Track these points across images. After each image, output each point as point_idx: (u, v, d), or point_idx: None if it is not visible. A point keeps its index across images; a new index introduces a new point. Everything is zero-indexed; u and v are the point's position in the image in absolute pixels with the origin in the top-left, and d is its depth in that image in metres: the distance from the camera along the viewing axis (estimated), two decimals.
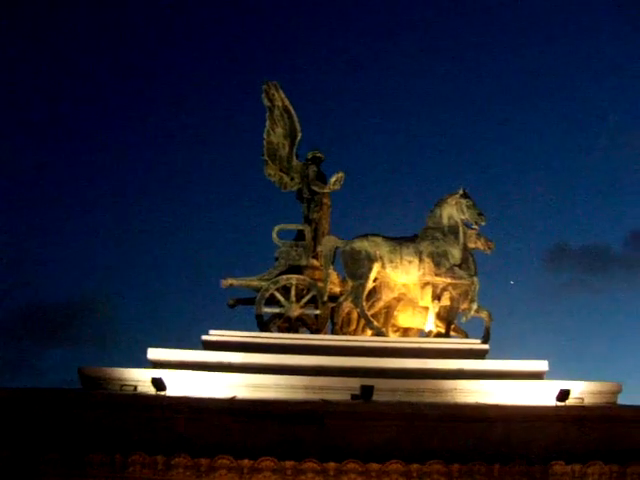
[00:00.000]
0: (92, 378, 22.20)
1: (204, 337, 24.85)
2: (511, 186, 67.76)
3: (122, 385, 21.74)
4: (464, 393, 22.26)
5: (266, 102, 28.06)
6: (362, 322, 26.26)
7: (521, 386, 22.53)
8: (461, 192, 26.36)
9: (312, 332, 26.15)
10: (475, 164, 67.07)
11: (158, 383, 20.88)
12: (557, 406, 21.46)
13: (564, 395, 21.49)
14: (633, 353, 61.47)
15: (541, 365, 24.12)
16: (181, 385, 21.34)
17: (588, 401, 22.21)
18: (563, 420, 20.74)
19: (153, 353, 23.46)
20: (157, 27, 69.96)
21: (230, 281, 26.85)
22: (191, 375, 21.92)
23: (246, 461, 18.53)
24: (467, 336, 26.22)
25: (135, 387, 21.62)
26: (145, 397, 20.80)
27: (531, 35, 72.45)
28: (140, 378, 21.62)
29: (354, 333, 26.48)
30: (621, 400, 23.14)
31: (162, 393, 20.83)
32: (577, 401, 21.91)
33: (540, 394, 22.09)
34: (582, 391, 22.33)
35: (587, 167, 69.12)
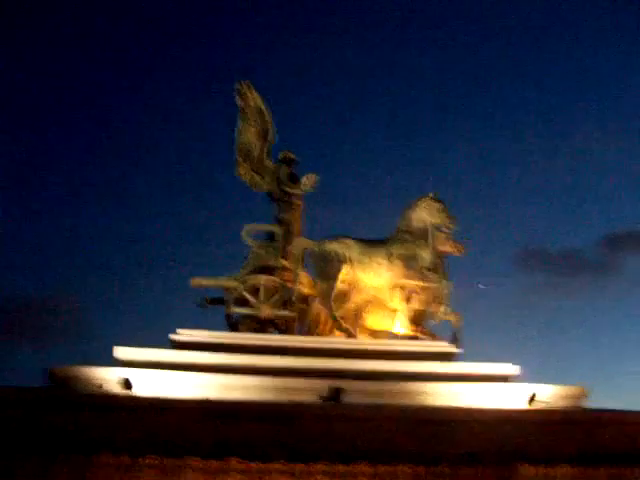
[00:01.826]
0: (59, 377, 21.90)
1: (172, 336, 24.64)
2: (482, 189, 68.24)
3: (89, 384, 21.46)
4: (433, 395, 22.33)
5: (239, 102, 27.94)
6: (331, 323, 26.22)
7: (489, 389, 22.68)
8: (432, 195, 26.48)
9: (281, 333, 26.07)
10: (447, 167, 67.37)
11: (125, 382, 20.66)
12: (524, 409, 21.66)
13: (531, 398, 21.70)
14: (601, 357, 62.19)
15: (510, 368, 24.29)
16: (149, 385, 21.15)
17: (555, 404, 22.44)
18: (530, 423, 20.95)
19: (120, 352, 23.20)
20: (124, 24, 69.34)
21: (199, 280, 26.68)
22: (159, 375, 21.71)
23: (214, 462, 18.43)
24: (436, 339, 26.30)
25: (101, 386, 21.37)
26: (111, 396, 20.57)
27: (505, 44, 73.14)
28: (107, 377, 21.38)
29: (323, 334, 26.44)
30: (587, 403, 23.39)
31: (129, 392, 20.62)
32: (544, 404, 22.13)
33: (507, 397, 22.26)
34: (549, 394, 22.58)
35: (559, 171, 69.83)
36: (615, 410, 22.29)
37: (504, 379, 23.89)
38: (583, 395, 23.39)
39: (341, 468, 18.79)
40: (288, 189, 27.77)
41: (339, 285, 25.93)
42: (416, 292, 26.11)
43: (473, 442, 20.24)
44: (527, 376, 24.17)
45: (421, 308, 26.19)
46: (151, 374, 21.65)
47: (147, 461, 18.26)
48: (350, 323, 26.30)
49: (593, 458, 20.23)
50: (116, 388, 20.77)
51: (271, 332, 26.29)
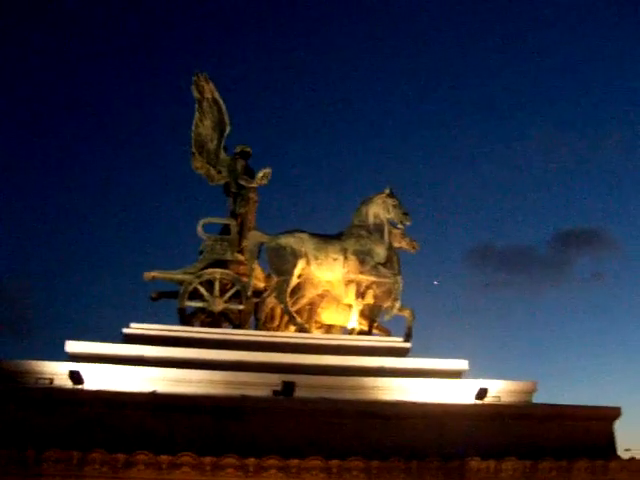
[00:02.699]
0: (8, 371, 21.44)
1: (125, 330, 24.37)
2: (436, 186, 68.93)
3: (38, 378, 21.10)
4: (385, 390, 22.47)
5: (195, 94, 27.71)
6: (285, 318, 26.24)
7: (441, 384, 22.90)
8: (387, 192, 26.59)
9: (235, 327, 25.96)
10: (401, 164, 67.90)
11: (75, 376, 20.37)
12: (475, 404, 21.92)
13: (482, 393, 21.97)
14: (550, 352, 63.27)
15: (461, 364, 24.58)
16: (100, 379, 20.87)
17: (505, 399, 22.78)
18: (480, 418, 21.21)
19: (71, 346, 22.86)
20: (79, 15, 68.29)
21: (153, 274, 26.41)
22: (110, 369, 21.45)
23: (165, 457, 18.25)
24: (389, 334, 26.49)
25: (51, 380, 21.03)
26: (61, 391, 20.24)
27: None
28: (57, 371, 21.04)
29: (277, 329, 26.43)
30: (537, 398, 23.81)
31: (79, 387, 20.33)
32: (494, 399, 22.44)
33: (459, 392, 22.50)
34: (499, 390, 22.91)
35: (512, 169, 70.88)
36: (562, 405, 22.67)
37: (456, 374, 24.17)
38: (532, 390, 23.78)
39: (293, 462, 18.76)
40: (244, 182, 27.66)
41: (293, 280, 25.91)
42: (370, 287, 26.24)
43: (425, 436, 20.41)
44: (478, 371, 24.54)
45: (375, 303, 26.34)
46: (102, 368, 21.37)
47: (97, 456, 17.98)
48: (304, 318, 26.35)
49: (540, 451, 20.55)
50: (66, 382, 20.43)
51: (225, 326, 26.19)
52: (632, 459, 21.16)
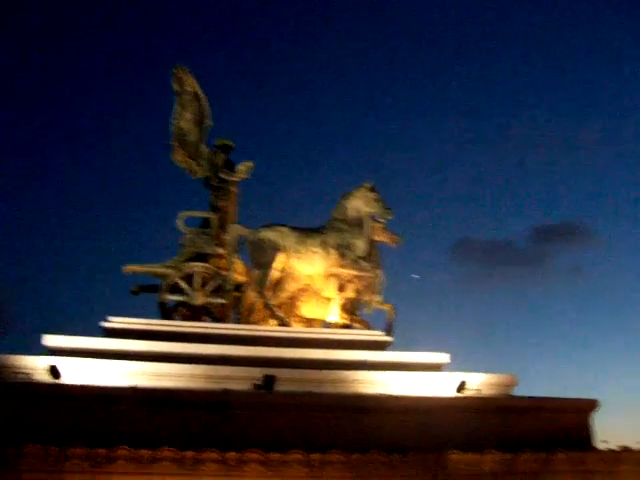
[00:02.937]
0: None
1: (104, 324, 24.22)
2: (416, 181, 69.14)
3: (16, 373, 20.87)
4: (366, 384, 22.52)
5: (176, 87, 27.56)
6: (266, 312, 26.19)
7: (421, 377, 23.00)
8: (368, 186, 26.62)
9: (216, 321, 25.90)
10: (381, 158, 68.00)
11: (54, 371, 20.23)
12: (455, 397, 22.04)
13: (462, 386, 22.11)
14: (530, 346, 63.76)
15: (441, 357, 24.69)
16: (79, 373, 20.73)
17: (485, 392, 22.92)
18: (461, 410, 21.34)
19: (49, 340, 22.65)
20: (57, 8, 67.64)
21: (133, 267, 26.27)
22: (90, 363, 21.29)
23: (145, 451, 18.16)
24: (370, 328, 26.52)
25: (29, 375, 20.83)
26: (40, 385, 20.08)
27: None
28: (35, 365, 20.83)
29: (258, 323, 26.37)
30: (516, 391, 23.96)
31: (58, 381, 20.19)
32: (475, 392, 22.58)
33: (439, 385, 22.62)
34: (480, 383, 23.04)
35: (491, 163, 71.26)
36: (541, 397, 22.86)
37: (436, 367, 24.27)
38: (512, 383, 23.94)
39: (274, 456, 18.76)
40: (224, 176, 27.57)
41: (274, 273, 25.89)
42: (350, 281, 26.28)
43: (405, 429, 20.52)
44: (459, 364, 24.66)
45: (355, 297, 26.39)
46: (80, 362, 21.21)
47: (77, 451, 17.87)
48: (284, 311, 26.33)
49: (520, 444, 20.72)
50: (44, 377, 20.28)
51: (205, 320, 26.12)
52: (609, 450, 21.42)
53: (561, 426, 21.85)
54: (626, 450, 21.33)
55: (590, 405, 22.68)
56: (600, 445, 21.95)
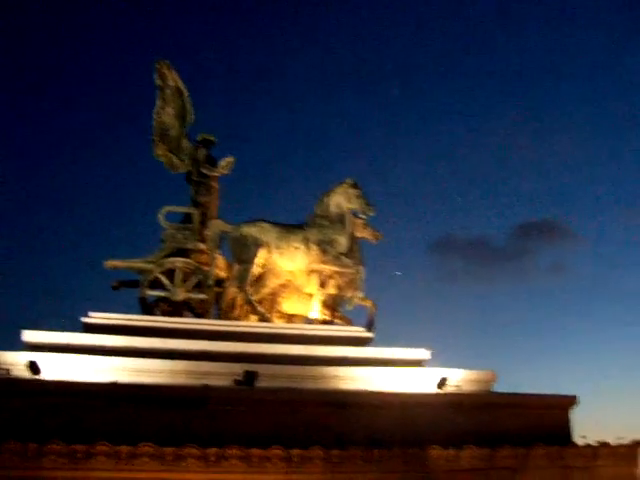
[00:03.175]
0: None
1: (84, 319, 24.07)
2: (398, 177, 69.26)
3: None
4: (346, 380, 22.55)
5: (158, 81, 27.44)
6: (247, 307, 26.15)
7: (402, 373, 23.07)
8: (350, 182, 26.63)
9: (197, 316, 25.84)
10: (363, 155, 68.08)
11: (32, 366, 20.09)
12: (436, 393, 22.14)
13: (442, 382, 22.21)
14: (510, 343, 64.19)
15: (422, 353, 24.78)
16: (58, 369, 20.59)
17: (465, 388, 23.04)
18: (441, 406, 21.45)
19: (28, 335, 22.48)
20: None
21: (113, 262, 26.16)
22: (69, 358, 21.17)
23: (125, 447, 18.07)
24: (351, 324, 26.57)
25: (8, 371, 20.66)
26: (19, 381, 19.93)
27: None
28: (14, 361, 20.65)
29: (239, 318, 26.34)
30: (496, 388, 24.12)
31: (37, 377, 20.05)
32: (455, 388, 22.69)
33: (420, 381, 22.71)
34: (460, 379, 23.17)
35: (473, 161, 71.57)
36: (521, 393, 23.00)
37: (417, 363, 24.37)
38: (492, 379, 24.09)
39: (255, 452, 18.76)
40: (206, 171, 27.51)
41: (255, 269, 25.86)
42: (332, 277, 26.31)
43: (386, 425, 20.57)
44: (439, 361, 24.76)
45: (337, 293, 26.41)
46: (60, 358, 21.09)
47: (55, 447, 17.75)
48: (266, 307, 26.31)
49: (499, 439, 20.86)
50: (24, 372, 20.13)
51: (186, 315, 26.05)
52: (587, 445, 21.62)
53: (540, 422, 22.01)
54: (604, 445, 21.53)
55: (569, 401, 22.87)
56: (579, 441, 22.15)
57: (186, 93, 27.56)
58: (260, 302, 26.08)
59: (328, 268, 26.02)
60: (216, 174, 27.59)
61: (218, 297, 26.06)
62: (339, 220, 26.36)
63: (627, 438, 21.99)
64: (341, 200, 26.52)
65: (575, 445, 21.76)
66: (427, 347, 24.88)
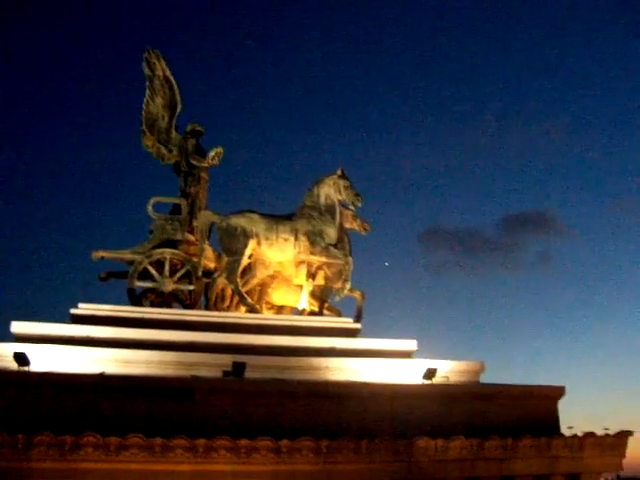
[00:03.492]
0: None
1: (73, 311, 24.00)
2: (388, 169, 69.29)
3: None
4: (335, 371, 22.61)
5: (147, 71, 27.30)
6: (236, 298, 26.16)
7: (390, 364, 23.13)
8: (339, 173, 26.60)
9: (185, 307, 25.81)
10: (351, 146, 68.07)
11: (21, 358, 20.02)
12: (424, 384, 22.21)
13: (431, 373, 22.28)
14: (497, 333, 64.54)
15: (410, 344, 24.86)
16: (47, 360, 20.55)
17: (453, 379, 23.14)
18: (429, 397, 21.52)
19: (17, 327, 22.42)
20: None
21: (102, 253, 26.07)
22: (57, 350, 21.12)
23: (114, 438, 18.07)
24: (340, 315, 26.60)
25: None
26: (7, 372, 19.87)
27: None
28: (3, 353, 20.58)
29: (228, 309, 26.35)
30: (484, 378, 24.22)
31: (25, 368, 19.99)
32: (443, 379, 22.77)
33: (408, 372, 22.76)
34: (448, 370, 23.26)
35: (461, 152, 71.66)
36: (508, 384, 23.08)
37: (405, 354, 24.42)
38: (480, 370, 24.18)
39: (243, 443, 18.78)
40: (195, 162, 27.42)
41: (244, 260, 25.82)
42: (321, 268, 26.31)
43: (374, 416, 20.64)
44: (427, 352, 24.81)
45: (325, 284, 26.42)
46: (49, 349, 21.05)
47: (43, 439, 17.72)
48: (255, 298, 26.31)
49: (487, 430, 20.96)
50: (12, 364, 20.06)
51: (175, 306, 26.02)
52: (574, 436, 21.76)
53: (528, 413, 22.12)
54: (590, 436, 21.67)
55: (557, 392, 22.98)
56: (566, 431, 22.29)
57: (175, 83, 27.42)
58: (249, 293, 26.07)
59: (317, 259, 26.00)
60: (205, 165, 27.51)
61: (207, 288, 26.00)
62: (328, 211, 26.32)
63: (613, 429, 22.15)
64: (330, 191, 26.49)
65: (562, 435, 21.89)
66: (415, 338, 24.96)
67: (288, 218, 26.34)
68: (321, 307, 26.36)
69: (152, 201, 26.71)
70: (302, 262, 26.21)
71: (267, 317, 25.84)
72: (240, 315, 25.50)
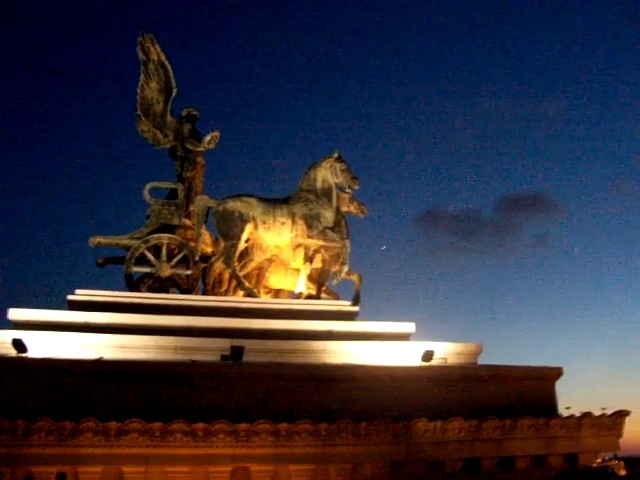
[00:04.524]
0: None
1: (70, 297, 24.01)
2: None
3: None
4: (333, 354, 22.66)
5: (141, 55, 27.14)
6: (233, 283, 26.18)
7: (388, 347, 23.19)
8: (336, 156, 26.52)
9: (183, 292, 25.83)
10: (350, 129, 67.95)
11: (19, 344, 20.05)
12: (422, 366, 22.28)
13: (429, 355, 22.34)
14: (495, 315, 64.79)
15: (408, 327, 24.90)
16: (44, 346, 20.58)
17: (451, 361, 23.23)
18: (427, 379, 21.59)
19: (14, 313, 22.41)
20: None
21: (98, 239, 26.05)
22: (55, 336, 21.14)
23: (113, 423, 18.14)
24: (338, 298, 26.62)
25: None
26: (5, 359, 19.91)
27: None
28: (0, 339, 20.62)
29: (225, 294, 26.37)
30: (482, 360, 24.31)
31: (23, 355, 20.03)
32: (441, 361, 22.85)
33: (406, 354, 22.83)
34: (446, 352, 23.33)
35: (458, 134, 71.58)
36: (506, 366, 23.13)
37: (404, 337, 24.47)
38: (478, 352, 24.26)
39: (242, 427, 18.85)
40: (191, 146, 27.39)
41: (241, 244, 25.80)
42: (318, 252, 26.29)
43: (373, 399, 20.71)
44: (425, 334, 24.88)
45: (323, 268, 26.41)
46: (47, 335, 21.06)
47: (43, 425, 17.78)
48: (252, 282, 26.33)
49: (485, 411, 21.06)
50: (10, 351, 20.09)
51: (172, 291, 26.03)
52: (571, 416, 21.85)
53: (526, 394, 22.19)
54: (587, 416, 21.77)
55: (554, 373, 23.05)
56: (564, 412, 22.39)
57: (170, 67, 27.30)
58: (246, 277, 26.08)
59: (314, 242, 25.98)
60: (201, 149, 27.47)
61: (204, 273, 26.01)
62: (325, 194, 26.27)
63: (611, 409, 22.26)
64: (327, 174, 26.43)
65: (560, 416, 21.98)
66: (413, 320, 25.01)
67: (285, 202, 26.30)
68: (319, 290, 26.36)
69: (148, 186, 26.67)
70: (299, 245, 26.18)
71: (265, 301, 25.86)
72: (238, 299, 25.51)
